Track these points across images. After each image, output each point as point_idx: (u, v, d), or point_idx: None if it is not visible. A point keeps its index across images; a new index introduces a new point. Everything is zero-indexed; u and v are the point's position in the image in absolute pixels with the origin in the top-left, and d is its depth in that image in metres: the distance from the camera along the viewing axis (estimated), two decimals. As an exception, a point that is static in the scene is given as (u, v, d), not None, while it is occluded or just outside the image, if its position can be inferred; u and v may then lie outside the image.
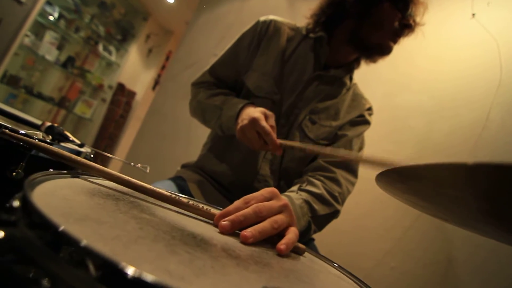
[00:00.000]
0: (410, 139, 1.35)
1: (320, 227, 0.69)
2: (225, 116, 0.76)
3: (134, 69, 3.79)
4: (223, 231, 0.35)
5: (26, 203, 0.19)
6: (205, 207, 0.40)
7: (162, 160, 1.83)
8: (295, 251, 0.41)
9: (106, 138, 3.54)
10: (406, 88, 1.42)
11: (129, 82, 3.73)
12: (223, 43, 1.86)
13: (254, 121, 0.66)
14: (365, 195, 1.23)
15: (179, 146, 1.79)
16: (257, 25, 0.87)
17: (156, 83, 3.98)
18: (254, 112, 0.68)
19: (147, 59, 3.93)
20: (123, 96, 3.61)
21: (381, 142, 1.35)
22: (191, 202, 0.39)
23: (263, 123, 0.65)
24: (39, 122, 0.71)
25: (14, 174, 0.53)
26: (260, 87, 0.82)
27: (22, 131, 0.56)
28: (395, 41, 0.80)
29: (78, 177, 0.36)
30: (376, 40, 0.78)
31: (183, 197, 0.55)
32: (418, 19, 0.78)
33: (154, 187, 0.63)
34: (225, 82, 0.89)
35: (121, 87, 3.61)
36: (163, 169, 1.80)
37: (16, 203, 0.18)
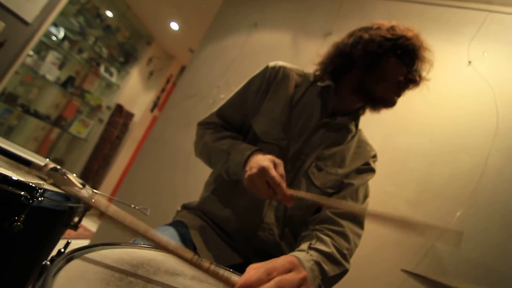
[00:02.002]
0: (411, 182, 1.35)
1: (328, 288, 0.66)
2: (233, 162, 0.76)
3: (134, 91, 3.81)
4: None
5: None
6: (225, 273, 0.38)
7: (160, 189, 1.80)
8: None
9: (100, 159, 3.48)
10: (405, 130, 1.44)
11: (127, 103, 3.73)
12: (226, 76, 1.89)
13: (263, 171, 0.65)
14: (362, 238, 1.21)
15: (178, 175, 1.76)
16: (266, 71, 0.88)
17: (155, 105, 3.99)
18: (263, 160, 0.67)
19: (148, 82, 3.97)
20: (120, 117, 3.59)
21: (382, 184, 1.35)
22: (212, 267, 0.37)
23: (273, 172, 0.64)
24: (42, 163, 0.69)
25: (13, 225, 0.51)
26: (268, 133, 0.82)
27: (22, 180, 0.52)
28: (399, 95, 0.81)
29: (73, 258, 0.34)
30: (380, 93, 0.80)
31: (204, 260, 0.53)
32: (423, 74, 0.80)
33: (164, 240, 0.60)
34: (232, 124, 0.89)
35: (119, 108, 3.61)
36: (161, 199, 1.76)
37: None
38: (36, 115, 2.99)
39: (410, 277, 0.34)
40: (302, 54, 1.78)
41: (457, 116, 1.38)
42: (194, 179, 1.46)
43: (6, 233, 0.50)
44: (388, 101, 0.80)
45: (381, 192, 1.36)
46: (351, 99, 0.85)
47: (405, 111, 1.46)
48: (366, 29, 0.81)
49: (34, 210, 0.52)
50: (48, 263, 0.29)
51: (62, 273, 0.27)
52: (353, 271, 1.19)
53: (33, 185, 0.54)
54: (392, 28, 0.79)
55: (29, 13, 2.47)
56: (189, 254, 0.37)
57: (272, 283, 0.37)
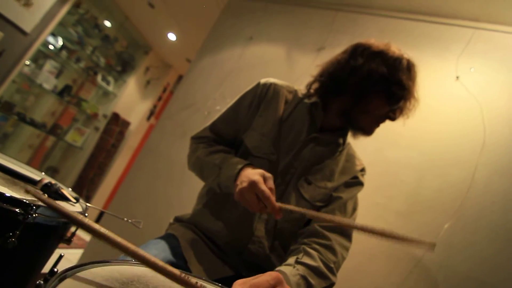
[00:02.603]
0: (401, 194, 1.38)
1: (315, 302, 0.68)
2: (224, 176, 0.78)
3: (130, 99, 3.83)
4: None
5: None
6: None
7: (154, 200, 1.81)
8: None
9: (95, 167, 3.48)
10: (395, 144, 1.47)
11: (124, 112, 3.75)
12: (222, 88, 1.93)
13: (253, 184, 0.67)
14: (353, 248, 1.23)
15: (173, 186, 1.78)
16: (258, 87, 0.91)
17: (152, 113, 4.01)
18: (254, 174, 0.69)
19: (145, 90, 4.00)
20: (117, 126, 3.60)
21: (373, 196, 1.38)
22: (199, 283, 0.39)
23: (263, 186, 0.66)
24: (37, 178, 0.70)
25: (8, 241, 0.52)
26: (259, 148, 0.85)
27: (16, 196, 0.53)
28: (378, 126, 0.87)
29: (66, 277, 0.36)
30: (362, 123, 0.85)
31: (192, 276, 0.54)
32: (406, 110, 0.84)
33: (150, 252, 0.62)
34: (224, 138, 0.92)
35: (115, 116, 3.62)
36: (155, 210, 1.77)
37: None
38: (32, 123, 2.99)
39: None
40: (296, 67, 1.82)
41: (445, 130, 1.41)
42: (189, 190, 1.48)
43: (0, 250, 0.51)
44: (367, 131, 0.86)
45: (372, 204, 1.38)
46: (335, 120, 0.88)
47: (395, 125, 1.48)
48: (370, 55, 0.81)
49: (28, 226, 0.53)
50: (42, 282, 0.31)
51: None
52: (342, 282, 1.20)
53: (28, 202, 0.56)
54: (394, 63, 0.78)
55: (28, 23, 2.50)
56: (176, 271, 0.38)
57: None
